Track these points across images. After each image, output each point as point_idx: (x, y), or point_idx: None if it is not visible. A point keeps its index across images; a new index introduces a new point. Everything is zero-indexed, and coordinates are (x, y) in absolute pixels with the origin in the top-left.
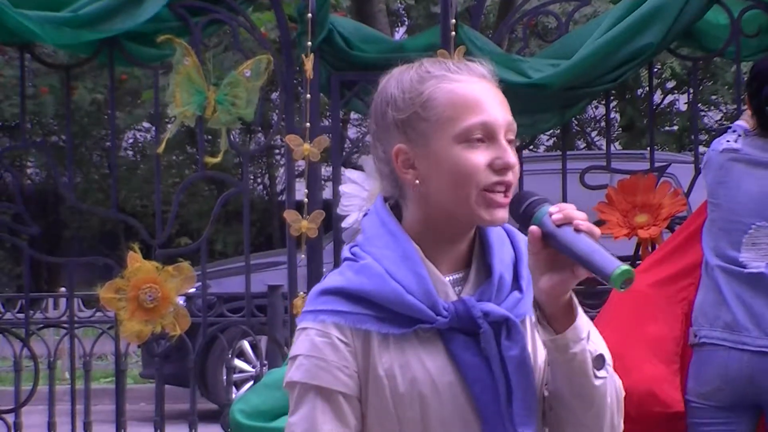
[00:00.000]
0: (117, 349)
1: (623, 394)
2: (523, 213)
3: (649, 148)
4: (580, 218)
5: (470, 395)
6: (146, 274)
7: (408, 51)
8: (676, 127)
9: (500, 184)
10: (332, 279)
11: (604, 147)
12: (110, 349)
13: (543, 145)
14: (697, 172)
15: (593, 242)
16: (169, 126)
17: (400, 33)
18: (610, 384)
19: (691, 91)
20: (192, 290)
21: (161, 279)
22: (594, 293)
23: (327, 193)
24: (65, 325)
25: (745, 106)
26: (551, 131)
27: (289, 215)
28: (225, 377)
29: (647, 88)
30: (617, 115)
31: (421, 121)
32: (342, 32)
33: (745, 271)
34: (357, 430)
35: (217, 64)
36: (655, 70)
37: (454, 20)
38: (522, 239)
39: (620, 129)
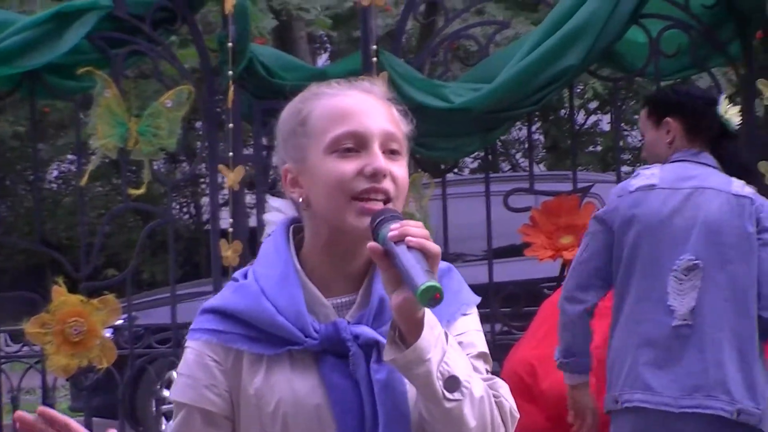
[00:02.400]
0: (44, 383)
1: (514, 415)
2: (372, 230)
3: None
4: (417, 235)
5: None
6: (71, 307)
7: (330, 77)
8: (599, 147)
9: (373, 191)
10: (213, 298)
11: (528, 168)
12: (38, 383)
13: (467, 167)
14: None
15: (417, 259)
16: (93, 158)
17: (323, 59)
18: (475, 407)
19: (614, 111)
20: (120, 322)
21: (87, 312)
22: (519, 315)
23: (253, 221)
24: None
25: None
26: (476, 153)
27: (222, 246)
28: (155, 408)
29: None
30: (541, 137)
31: (300, 138)
32: (263, 60)
33: (673, 324)
34: None
35: (138, 93)
36: (578, 90)
37: (374, 46)
38: None
39: (545, 150)
